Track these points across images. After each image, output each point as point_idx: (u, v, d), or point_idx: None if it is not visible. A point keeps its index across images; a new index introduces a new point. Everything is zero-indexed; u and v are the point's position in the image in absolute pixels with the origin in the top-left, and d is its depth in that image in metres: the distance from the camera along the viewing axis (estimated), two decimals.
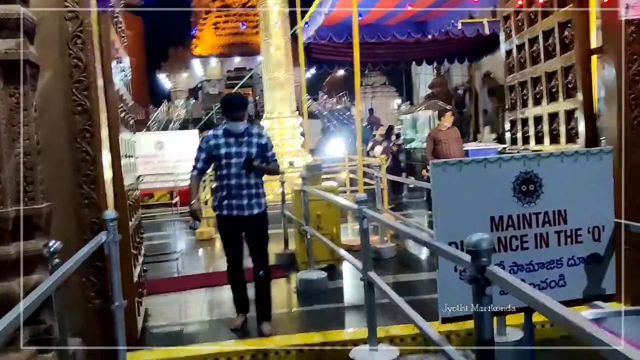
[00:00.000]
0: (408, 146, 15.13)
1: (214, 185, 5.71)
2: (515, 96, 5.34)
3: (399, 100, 36.91)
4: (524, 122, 5.18)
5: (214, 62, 34.17)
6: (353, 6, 8.25)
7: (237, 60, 32.38)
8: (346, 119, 29.96)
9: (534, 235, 2.22)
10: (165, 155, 9.23)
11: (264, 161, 4.08)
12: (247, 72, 32.93)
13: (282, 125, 9.76)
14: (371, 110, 30.77)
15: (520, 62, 5.16)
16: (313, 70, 34.02)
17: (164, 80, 38.14)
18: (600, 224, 2.26)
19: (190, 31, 39.03)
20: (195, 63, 35.19)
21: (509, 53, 5.43)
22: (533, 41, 4.82)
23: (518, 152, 5.42)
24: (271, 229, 4.29)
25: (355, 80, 6.90)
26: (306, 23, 12.20)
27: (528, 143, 5.12)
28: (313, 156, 12.61)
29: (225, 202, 4.02)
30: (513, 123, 5.45)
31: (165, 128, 25.15)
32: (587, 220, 2.24)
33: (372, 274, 3.13)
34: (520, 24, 5.10)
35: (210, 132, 4.23)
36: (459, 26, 12.86)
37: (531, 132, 5.00)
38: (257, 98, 33.04)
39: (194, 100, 29.18)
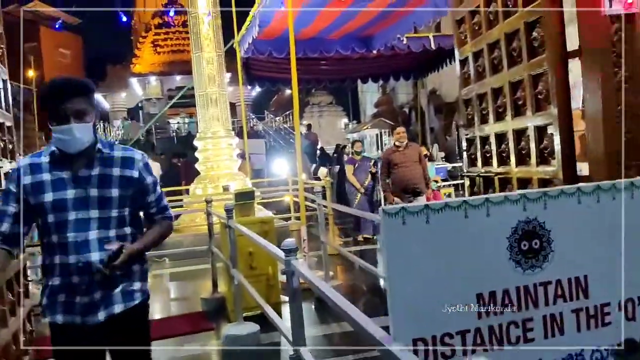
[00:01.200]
0: None
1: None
2: (472, 111, 4.66)
3: (345, 120, 36.77)
4: (484, 140, 4.49)
5: (154, 80, 32.79)
6: (289, 20, 7.44)
7: (178, 79, 31.10)
8: (292, 138, 29.29)
9: (542, 319, 1.43)
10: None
11: (136, 224, 2.33)
12: (190, 91, 31.72)
13: (217, 145, 8.84)
14: (309, 126, 30.38)
15: (477, 71, 4.48)
16: (258, 89, 33.35)
17: (102, 99, 36.35)
18: (636, 294, 1.50)
19: (130, 49, 37.56)
20: (135, 82, 33.70)
21: (463, 62, 4.76)
22: (493, 46, 4.15)
23: (479, 175, 4.76)
24: (198, 264, 3.38)
25: (294, 97, 6.13)
26: (243, 36, 11.40)
27: (490, 164, 4.42)
28: (256, 177, 11.71)
29: (62, 297, 2.19)
30: (471, 142, 4.76)
31: None
32: (617, 291, 1.48)
33: (305, 353, 2.27)
34: (477, 27, 4.43)
35: (26, 159, 2.28)
36: (405, 41, 12.39)
37: (493, 151, 4.30)
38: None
39: (131, 121, 27.72)
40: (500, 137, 4.23)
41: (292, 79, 14.66)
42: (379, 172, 7.22)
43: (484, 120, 4.47)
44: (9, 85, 4.05)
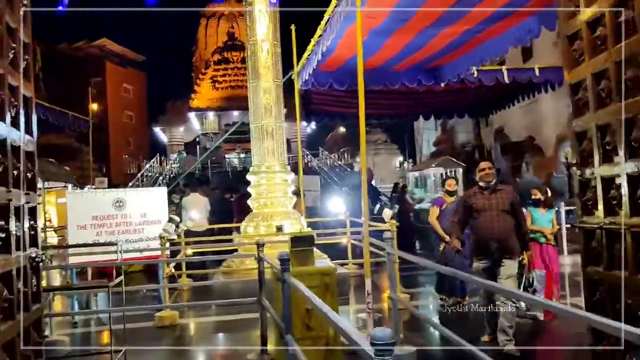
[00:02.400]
0: (417, 207, 13.50)
1: None
2: (589, 146, 3.73)
3: (400, 158, 36.05)
4: (608, 182, 3.54)
5: (211, 115, 33.11)
6: (358, 45, 6.71)
7: (235, 114, 31.26)
8: (347, 176, 28.69)
9: None
10: (128, 215, 7.62)
11: None
12: (247, 126, 31.72)
13: (271, 181, 8.16)
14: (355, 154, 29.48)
15: (599, 96, 3.58)
16: (313, 126, 33.04)
17: (160, 133, 37.06)
18: None
19: (190, 85, 38.35)
20: (193, 117, 34.16)
21: (576, 87, 3.87)
22: (627, 63, 3.25)
23: (601, 227, 3.79)
24: (247, 312, 2.64)
25: (361, 130, 5.39)
26: (302, 68, 10.86)
27: (616, 214, 3.46)
28: (310, 216, 10.94)
29: None
30: (586, 184, 3.82)
31: (154, 183, 23.65)
32: None
33: None
34: (599, 42, 3.56)
35: None
36: (475, 74, 11.52)
37: (624, 197, 3.35)
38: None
39: (185, 154, 27.84)
40: (634, 179, 3.28)
41: (355, 113, 14.03)
42: (450, 218, 5.72)
43: (607, 157, 3.54)
44: (33, 105, 3.46)
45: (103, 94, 41.93)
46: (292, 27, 11.20)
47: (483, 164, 5.43)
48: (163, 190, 7.80)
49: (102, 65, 42.82)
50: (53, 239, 13.06)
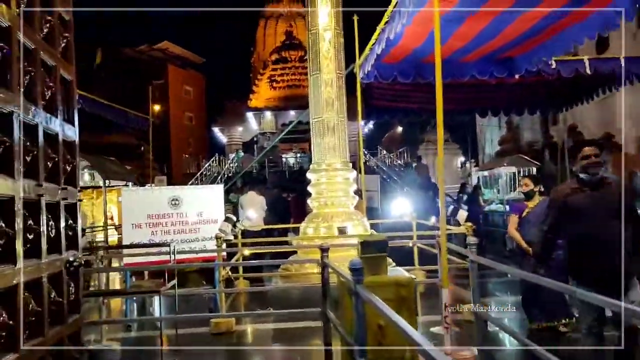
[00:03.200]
0: (487, 208, 12.62)
1: None
2: None
3: (462, 158, 34.84)
4: None
5: (269, 115, 33.07)
6: (435, 26, 6.07)
7: (292, 114, 31.04)
8: (407, 175, 27.88)
9: None
10: (184, 214, 7.30)
11: None
12: (303, 125, 31.51)
13: (332, 179, 7.64)
14: (419, 158, 28.58)
15: None
16: (370, 125, 32.31)
17: (220, 134, 37.45)
18: None
19: (248, 86, 38.56)
20: (251, 116, 34.27)
21: None
22: None
23: None
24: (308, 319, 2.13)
25: (438, 123, 4.78)
26: (365, 60, 10.29)
27: None
28: (371, 217, 10.33)
29: None
30: None
31: (213, 182, 23.73)
32: None
33: None
34: None
35: None
36: (553, 64, 10.56)
37: None
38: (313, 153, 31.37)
39: (243, 153, 27.89)
40: None
41: (417, 109, 13.18)
42: (544, 220, 4.16)
43: None
44: (75, 89, 3.06)
45: (165, 96, 42.82)
46: (355, 17, 10.66)
47: (588, 150, 3.96)
48: (220, 188, 7.43)
49: (164, 67, 43.73)
50: (114, 237, 13.08)
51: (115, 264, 7.59)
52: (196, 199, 7.28)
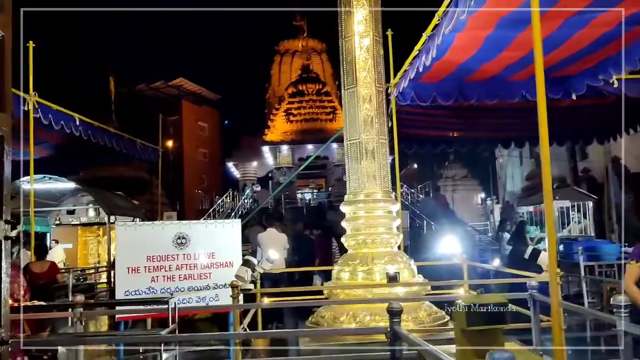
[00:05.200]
0: (533, 247, 11.11)
1: None
2: None
3: (482, 194, 33.50)
4: None
5: (285, 149, 32.04)
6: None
7: (309, 148, 30.02)
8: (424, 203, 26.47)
9: None
10: (192, 256, 5.98)
11: None
12: (321, 161, 30.39)
13: (372, 212, 6.31)
14: (437, 188, 27.29)
15: None
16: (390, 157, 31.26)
17: (233, 168, 36.52)
18: None
19: (263, 121, 37.86)
20: (266, 151, 33.31)
21: None
22: None
23: None
24: None
25: (541, 120, 3.48)
26: (401, 77, 9.10)
27: None
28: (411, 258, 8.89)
29: None
30: None
31: (227, 217, 22.49)
32: None
33: None
34: None
35: None
36: (615, 84, 9.26)
37: None
38: (330, 189, 30.16)
39: (259, 188, 26.72)
40: None
41: (456, 134, 11.82)
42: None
43: None
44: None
45: (179, 132, 42.37)
46: (389, 32, 9.53)
47: None
48: (237, 224, 6.11)
49: (179, 104, 43.45)
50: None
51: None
52: (207, 237, 5.97)
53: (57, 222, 14.07)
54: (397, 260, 6.39)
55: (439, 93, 8.91)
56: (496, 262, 5.95)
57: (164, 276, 5.77)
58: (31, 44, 8.22)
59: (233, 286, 4.92)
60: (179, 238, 5.85)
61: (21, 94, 7.89)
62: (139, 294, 5.59)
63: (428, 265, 8.33)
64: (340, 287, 6.13)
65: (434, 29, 6.51)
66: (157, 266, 5.74)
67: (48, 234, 14.44)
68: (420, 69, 7.39)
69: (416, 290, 6.01)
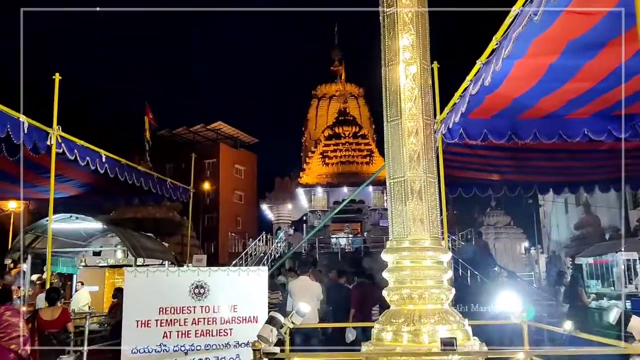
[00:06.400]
0: (594, 305, 9.94)
1: None
2: None
3: (526, 243, 32.08)
4: None
5: (320, 192, 31.46)
6: None
7: (345, 191, 29.33)
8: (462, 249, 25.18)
9: None
10: (212, 309, 5.22)
11: None
12: (357, 204, 29.59)
13: (419, 262, 5.47)
14: (479, 234, 26.00)
15: None
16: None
17: (267, 211, 36.09)
18: None
19: (298, 164, 37.67)
20: (301, 194, 32.80)
21: None
22: None
23: None
24: None
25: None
26: (449, 114, 8.36)
27: None
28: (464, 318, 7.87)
29: None
30: None
31: (259, 263, 21.76)
32: None
33: None
34: None
35: None
36: None
37: None
38: (366, 234, 29.20)
39: (293, 231, 25.99)
40: None
41: (507, 177, 10.86)
42: None
43: None
44: None
45: (216, 175, 42.63)
46: (435, 65, 8.90)
47: None
48: (263, 272, 5.33)
49: (217, 147, 43.94)
50: None
51: None
52: (229, 287, 5.21)
53: (83, 263, 13.60)
54: (448, 319, 5.46)
55: (491, 130, 8.15)
56: (568, 325, 4.94)
57: (178, 331, 5.02)
58: (57, 76, 7.91)
59: (255, 349, 4.12)
60: (196, 287, 5.12)
61: (44, 127, 7.49)
62: (149, 352, 4.85)
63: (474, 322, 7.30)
64: (384, 354, 5.22)
65: (490, 54, 5.80)
66: (171, 320, 5.00)
67: (74, 276, 13.98)
68: (471, 101, 6.66)
69: (470, 358, 5.05)
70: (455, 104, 7.53)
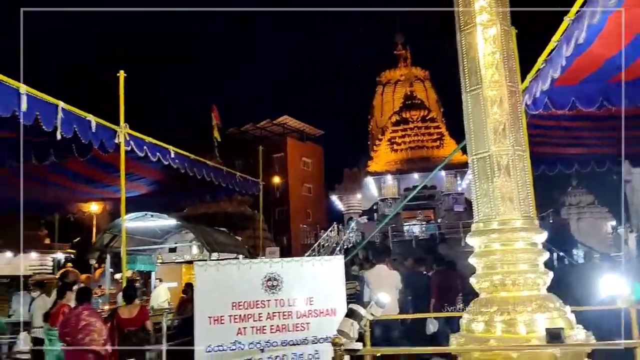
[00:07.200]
0: None
1: None
2: None
3: (613, 222, 30.01)
4: None
5: (389, 180, 30.79)
6: None
7: (415, 177, 28.53)
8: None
9: None
10: (286, 302, 4.92)
11: None
12: (429, 190, 28.72)
13: (510, 244, 4.93)
14: (557, 212, 24.41)
15: None
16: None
17: (337, 201, 35.90)
18: None
19: (365, 153, 37.18)
20: (370, 183, 32.28)
21: None
22: None
23: None
24: None
25: None
26: (532, 82, 7.63)
27: None
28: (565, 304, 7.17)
29: None
30: None
31: (332, 252, 21.54)
32: None
33: None
34: None
35: None
36: None
37: None
38: (440, 221, 28.31)
39: (366, 220, 25.57)
40: None
41: (604, 150, 9.94)
42: None
43: None
44: None
45: (284, 169, 42.96)
46: (512, 30, 8.16)
47: None
48: (339, 261, 4.96)
49: (284, 141, 44.26)
50: None
51: None
52: (304, 278, 4.89)
53: (160, 260, 13.84)
54: (548, 307, 4.87)
55: (580, 97, 7.39)
56: None
57: (252, 327, 4.75)
58: (122, 74, 7.90)
59: (335, 344, 3.75)
60: (269, 280, 4.83)
61: (112, 125, 7.48)
62: (223, 349, 4.62)
63: (576, 309, 6.58)
64: (479, 348, 4.72)
65: (582, 5, 5.12)
66: (245, 315, 4.75)
67: (153, 273, 14.26)
68: (563, 63, 5.97)
69: (577, 350, 4.47)
70: (539, 70, 6.83)
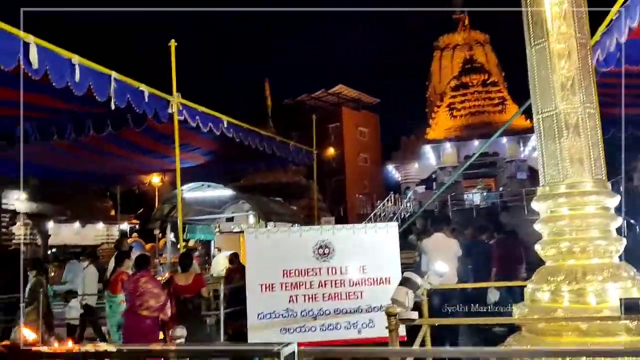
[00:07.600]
0: None
1: None
2: None
3: None
4: None
5: (448, 147, 29.93)
6: None
7: (476, 144, 27.58)
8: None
9: None
10: (339, 270, 4.79)
11: None
12: (490, 157, 27.75)
13: (579, 209, 4.59)
14: (630, 179, 22.77)
15: None
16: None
17: (394, 171, 35.36)
18: None
19: (424, 120, 36.23)
20: (428, 151, 31.51)
21: None
22: None
23: None
24: None
25: None
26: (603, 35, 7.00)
27: None
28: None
29: None
30: None
31: (389, 222, 21.29)
32: None
33: None
34: None
35: None
36: None
37: None
38: (502, 189, 27.35)
39: (424, 189, 25.04)
40: None
41: None
42: None
43: None
44: None
45: (340, 139, 42.69)
46: None
47: None
48: (392, 228, 4.77)
49: (339, 111, 43.88)
50: None
51: None
52: (356, 246, 4.73)
53: (218, 230, 14.07)
54: (620, 275, 4.53)
55: None
56: None
57: (304, 295, 4.67)
58: (173, 43, 7.85)
59: (389, 314, 3.59)
60: (320, 247, 4.71)
61: (164, 95, 7.48)
62: (276, 317, 4.56)
63: None
64: (546, 318, 4.45)
65: None
66: (296, 283, 4.66)
67: (212, 242, 14.55)
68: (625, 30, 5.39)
69: None
70: (612, 20, 6.22)
